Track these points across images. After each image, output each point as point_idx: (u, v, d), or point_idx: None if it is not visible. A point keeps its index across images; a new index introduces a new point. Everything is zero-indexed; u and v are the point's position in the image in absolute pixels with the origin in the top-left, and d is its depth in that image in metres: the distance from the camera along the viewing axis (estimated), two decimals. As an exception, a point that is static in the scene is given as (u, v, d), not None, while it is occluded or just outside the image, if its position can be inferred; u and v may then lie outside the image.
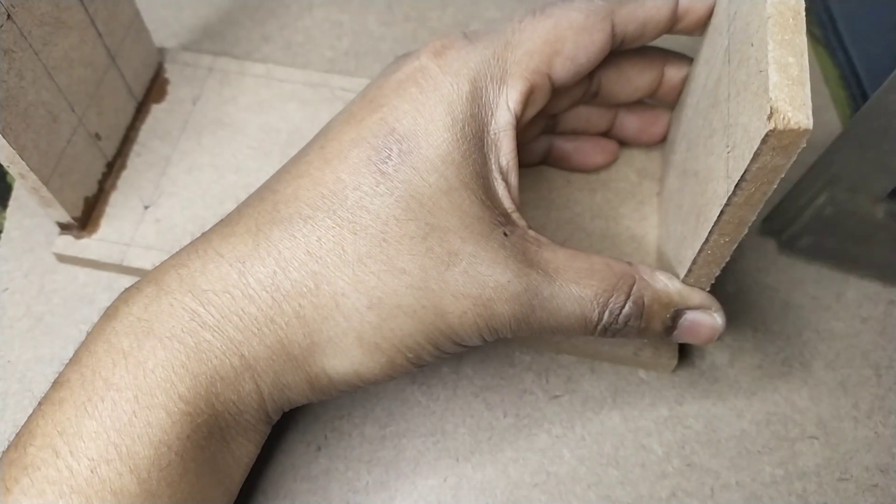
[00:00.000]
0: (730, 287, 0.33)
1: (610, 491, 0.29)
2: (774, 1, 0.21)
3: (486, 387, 0.31)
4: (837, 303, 0.33)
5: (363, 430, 0.30)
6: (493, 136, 0.26)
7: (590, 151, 0.34)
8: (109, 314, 0.25)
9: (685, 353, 0.32)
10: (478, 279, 0.24)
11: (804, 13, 0.21)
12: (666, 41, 0.40)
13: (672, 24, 0.28)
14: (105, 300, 0.33)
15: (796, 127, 0.19)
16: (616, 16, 0.27)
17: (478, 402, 0.31)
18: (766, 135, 0.20)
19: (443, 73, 0.26)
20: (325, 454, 0.30)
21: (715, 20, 0.28)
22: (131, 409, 0.22)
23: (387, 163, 0.25)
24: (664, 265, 0.31)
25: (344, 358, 0.25)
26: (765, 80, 0.20)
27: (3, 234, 0.34)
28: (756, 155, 0.20)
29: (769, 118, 0.20)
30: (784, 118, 0.19)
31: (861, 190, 0.29)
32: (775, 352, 0.32)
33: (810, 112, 0.20)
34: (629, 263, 0.27)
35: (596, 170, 0.35)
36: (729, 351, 0.32)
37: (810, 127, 0.19)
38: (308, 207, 0.25)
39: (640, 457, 0.30)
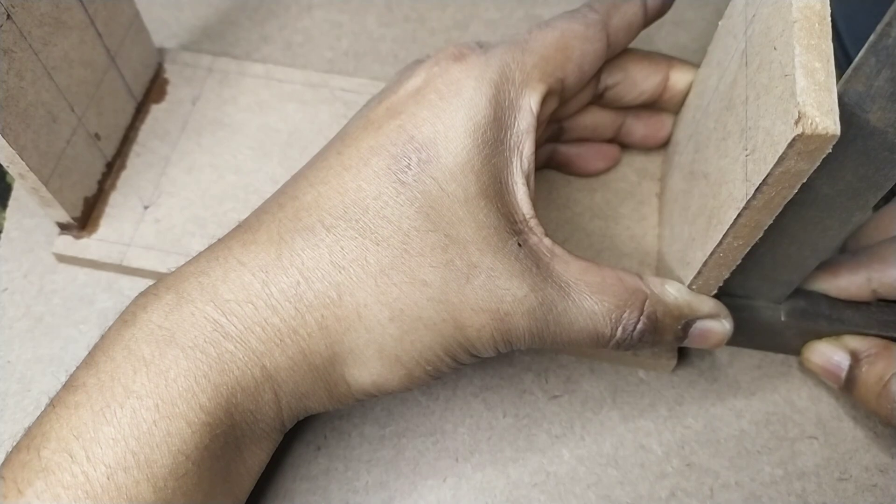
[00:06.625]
0: (729, 287, 0.33)
1: (609, 491, 0.29)
2: (800, 6, 0.21)
3: (485, 387, 0.31)
4: (837, 303, 0.33)
5: (363, 430, 0.30)
6: (515, 139, 0.26)
7: (591, 157, 0.34)
8: (127, 320, 0.24)
9: (684, 352, 0.32)
10: (496, 293, 0.24)
11: (830, 18, 0.21)
12: (671, 48, 0.40)
13: (645, 20, 0.30)
14: (105, 300, 0.33)
15: (824, 132, 0.19)
16: (609, 26, 0.29)
17: (477, 402, 0.31)
18: (793, 139, 0.20)
19: (465, 76, 0.26)
20: (324, 454, 0.30)
21: (728, 23, 0.28)
22: (152, 418, 0.22)
23: (406, 172, 0.25)
24: (666, 266, 0.31)
25: (364, 369, 0.25)
26: (791, 85, 0.20)
27: (2, 234, 0.34)
28: (780, 159, 0.20)
29: (797, 122, 0.19)
30: (812, 123, 0.19)
31: (758, 297, 0.29)
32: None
33: (837, 118, 0.20)
34: (639, 276, 0.27)
35: (597, 174, 0.35)
36: (728, 351, 0.32)
37: (838, 133, 0.19)
38: (330, 216, 0.25)
39: (640, 457, 0.30)
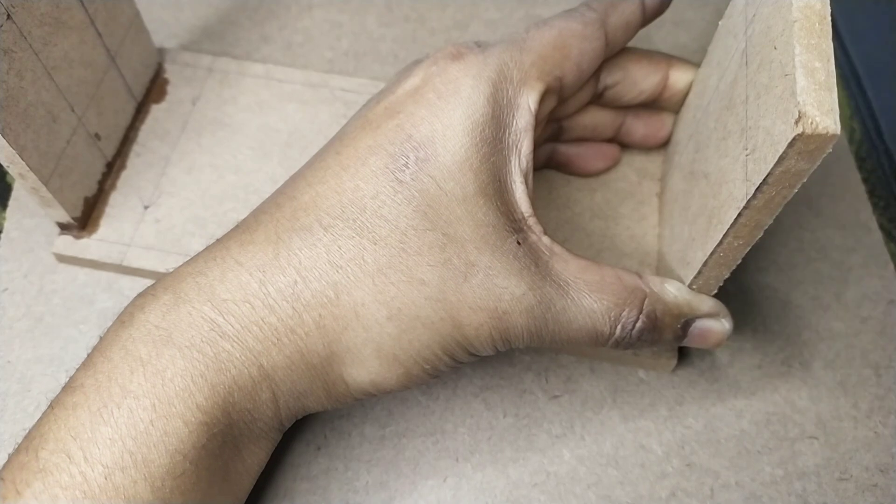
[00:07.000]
0: (730, 287, 0.33)
1: (609, 491, 0.29)
2: (800, 5, 0.21)
3: (485, 387, 0.31)
4: (837, 303, 0.33)
5: (363, 430, 0.30)
6: (513, 138, 0.26)
7: (591, 157, 0.34)
8: (124, 320, 0.24)
9: (684, 352, 0.32)
10: (494, 292, 0.24)
11: (830, 18, 0.21)
12: (671, 48, 0.40)
13: (643, 19, 0.30)
14: (105, 300, 0.33)
15: (824, 132, 0.19)
16: (607, 25, 0.29)
17: (477, 401, 0.31)
18: (794, 139, 0.20)
19: (463, 75, 0.26)
20: (324, 454, 0.30)
21: (728, 22, 0.28)
22: (149, 418, 0.22)
23: (404, 171, 0.25)
24: (666, 266, 0.31)
25: (362, 368, 0.25)
26: (791, 84, 0.20)
27: (2, 234, 0.34)
28: (780, 159, 0.20)
29: (797, 122, 0.19)
30: (812, 122, 0.19)
31: None
32: (775, 352, 0.32)
33: (838, 117, 0.20)
34: (638, 275, 0.27)
35: (596, 174, 0.35)
36: (729, 351, 0.32)
37: (838, 132, 0.19)
38: (328, 216, 0.25)
39: (640, 457, 0.30)
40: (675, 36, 0.40)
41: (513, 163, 0.26)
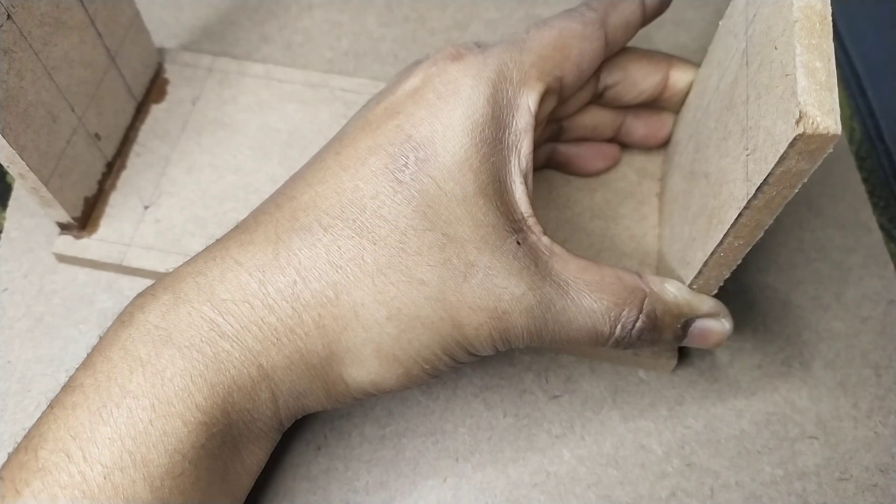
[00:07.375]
0: (730, 287, 0.33)
1: (609, 491, 0.29)
2: (801, 5, 0.21)
3: (485, 387, 0.31)
4: (837, 303, 0.33)
5: (363, 430, 0.30)
6: (513, 138, 0.26)
7: (591, 157, 0.34)
8: (124, 320, 0.24)
9: (685, 352, 0.32)
10: (493, 291, 0.24)
11: (831, 18, 0.21)
12: (671, 48, 0.40)
13: (643, 19, 0.30)
14: (105, 300, 0.33)
15: (825, 132, 0.19)
16: (607, 24, 0.29)
17: (477, 401, 0.31)
18: (794, 139, 0.20)
19: (463, 75, 0.26)
20: (324, 454, 0.30)
21: (729, 22, 0.28)
22: (148, 418, 0.22)
23: (403, 171, 0.25)
24: (666, 266, 0.31)
25: (361, 368, 0.25)
26: (792, 84, 0.20)
27: (2, 234, 0.34)
28: (781, 159, 0.20)
29: (798, 122, 0.20)
30: (813, 123, 0.19)
31: None
32: (775, 352, 0.32)
33: (839, 117, 0.20)
34: (638, 275, 0.27)
35: (596, 174, 0.35)
36: (729, 351, 0.32)
37: (839, 132, 0.19)
38: (327, 216, 0.25)
39: (640, 457, 0.30)
40: (675, 36, 0.40)
41: (512, 163, 0.26)
